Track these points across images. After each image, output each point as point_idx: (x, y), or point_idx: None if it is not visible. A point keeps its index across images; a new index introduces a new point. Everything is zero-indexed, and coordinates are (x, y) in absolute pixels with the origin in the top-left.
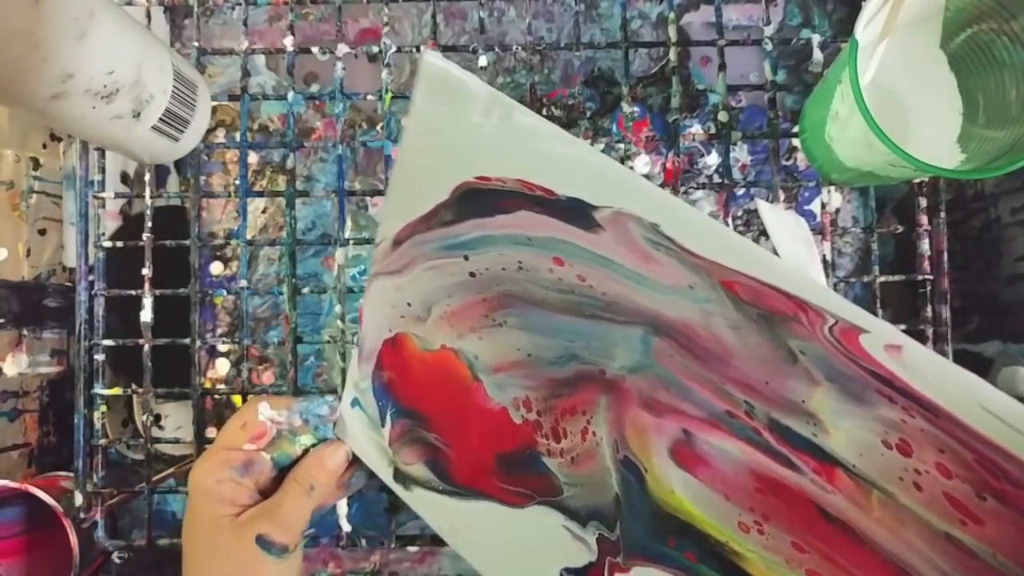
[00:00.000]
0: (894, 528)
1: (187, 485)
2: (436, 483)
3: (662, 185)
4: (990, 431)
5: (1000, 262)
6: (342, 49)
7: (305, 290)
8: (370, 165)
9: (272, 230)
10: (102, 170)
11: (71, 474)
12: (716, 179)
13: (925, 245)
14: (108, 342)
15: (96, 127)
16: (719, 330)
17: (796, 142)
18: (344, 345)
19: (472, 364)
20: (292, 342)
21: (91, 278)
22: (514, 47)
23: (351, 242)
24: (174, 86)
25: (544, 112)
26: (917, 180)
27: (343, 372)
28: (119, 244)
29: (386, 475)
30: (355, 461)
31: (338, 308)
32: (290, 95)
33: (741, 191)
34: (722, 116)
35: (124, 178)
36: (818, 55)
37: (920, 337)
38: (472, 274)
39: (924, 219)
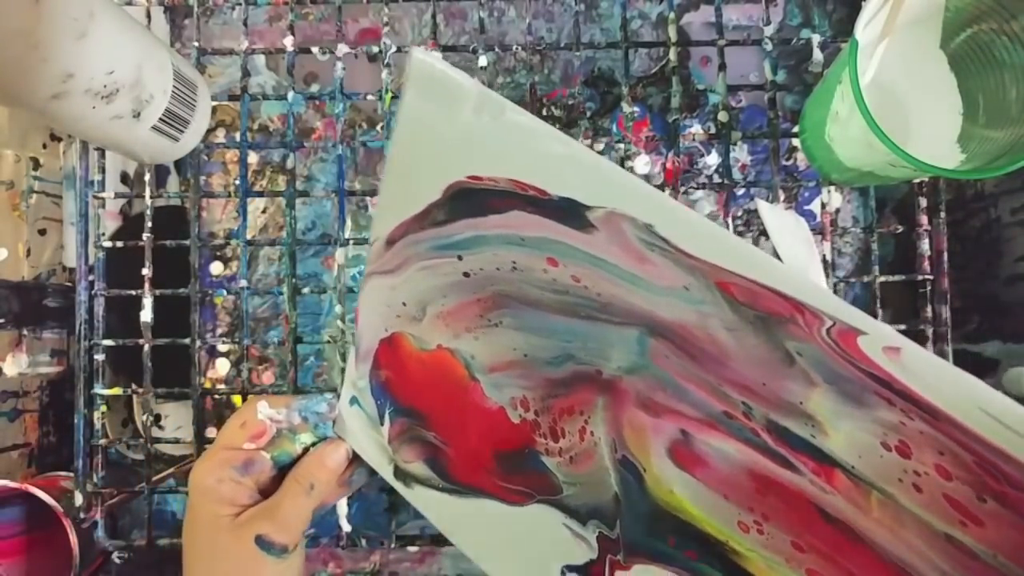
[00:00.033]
0: (894, 529)
1: (187, 485)
2: (436, 481)
3: (662, 185)
4: (990, 433)
5: (1000, 262)
6: (342, 49)
7: (305, 290)
8: (370, 165)
9: (272, 230)
10: (102, 170)
11: (71, 474)
12: (716, 179)
13: (925, 245)
14: (108, 342)
15: (96, 127)
16: (715, 331)
17: (796, 142)
18: (344, 345)
19: (469, 364)
20: (292, 342)
21: (91, 278)
22: (514, 47)
23: (351, 242)
24: (174, 86)
25: (544, 112)
26: (917, 180)
27: (343, 372)
28: (119, 244)
29: (387, 472)
30: (356, 459)
31: (338, 308)
32: (290, 95)
33: (741, 191)
34: (722, 116)
35: (124, 178)
36: (818, 55)
37: (920, 337)
38: (466, 274)
39: (924, 219)
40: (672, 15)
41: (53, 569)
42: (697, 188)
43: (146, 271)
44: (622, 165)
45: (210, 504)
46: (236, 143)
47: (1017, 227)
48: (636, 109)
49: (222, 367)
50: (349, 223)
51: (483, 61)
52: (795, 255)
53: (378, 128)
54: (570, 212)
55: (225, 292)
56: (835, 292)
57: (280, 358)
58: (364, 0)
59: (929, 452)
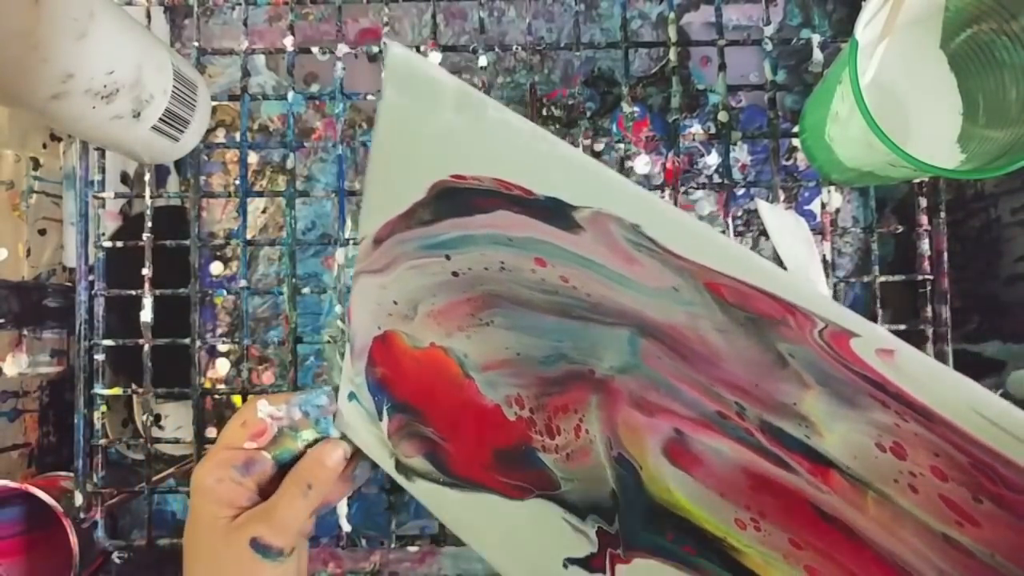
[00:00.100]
0: (891, 528)
1: (187, 485)
2: (437, 475)
3: (662, 185)
4: (985, 436)
5: (1000, 262)
6: (342, 49)
7: (305, 290)
8: None
9: (272, 230)
10: (102, 170)
11: (71, 474)
12: (716, 179)
13: (925, 245)
14: (108, 342)
15: (96, 127)
16: (706, 333)
17: (796, 142)
18: (344, 345)
19: (462, 362)
20: (292, 342)
21: (91, 278)
22: (514, 47)
23: (351, 242)
24: (174, 86)
25: (544, 112)
26: (917, 180)
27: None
28: (119, 244)
29: (388, 466)
30: (357, 454)
31: (338, 308)
32: (290, 95)
33: (741, 191)
34: (722, 116)
35: (124, 178)
36: (818, 55)
37: (920, 337)
38: (455, 274)
39: (924, 219)
40: (672, 15)
41: (53, 569)
42: (697, 188)
43: (146, 271)
44: (622, 165)
45: (209, 505)
46: (236, 143)
47: (1017, 227)
48: (636, 109)
49: (222, 367)
50: (349, 223)
51: (483, 61)
52: (795, 255)
53: None
54: (556, 212)
55: (225, 292)
56: (835, 292)
57: (280, 358)
58: (364, 0)
59: (924, 454)
